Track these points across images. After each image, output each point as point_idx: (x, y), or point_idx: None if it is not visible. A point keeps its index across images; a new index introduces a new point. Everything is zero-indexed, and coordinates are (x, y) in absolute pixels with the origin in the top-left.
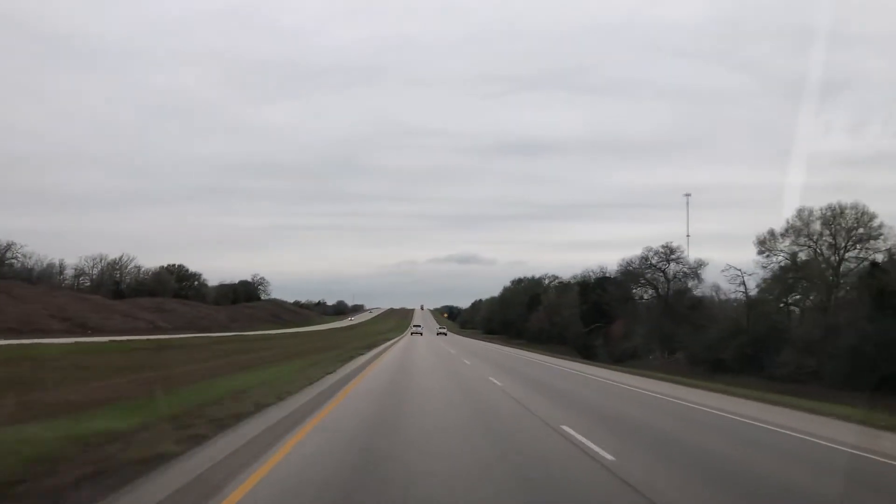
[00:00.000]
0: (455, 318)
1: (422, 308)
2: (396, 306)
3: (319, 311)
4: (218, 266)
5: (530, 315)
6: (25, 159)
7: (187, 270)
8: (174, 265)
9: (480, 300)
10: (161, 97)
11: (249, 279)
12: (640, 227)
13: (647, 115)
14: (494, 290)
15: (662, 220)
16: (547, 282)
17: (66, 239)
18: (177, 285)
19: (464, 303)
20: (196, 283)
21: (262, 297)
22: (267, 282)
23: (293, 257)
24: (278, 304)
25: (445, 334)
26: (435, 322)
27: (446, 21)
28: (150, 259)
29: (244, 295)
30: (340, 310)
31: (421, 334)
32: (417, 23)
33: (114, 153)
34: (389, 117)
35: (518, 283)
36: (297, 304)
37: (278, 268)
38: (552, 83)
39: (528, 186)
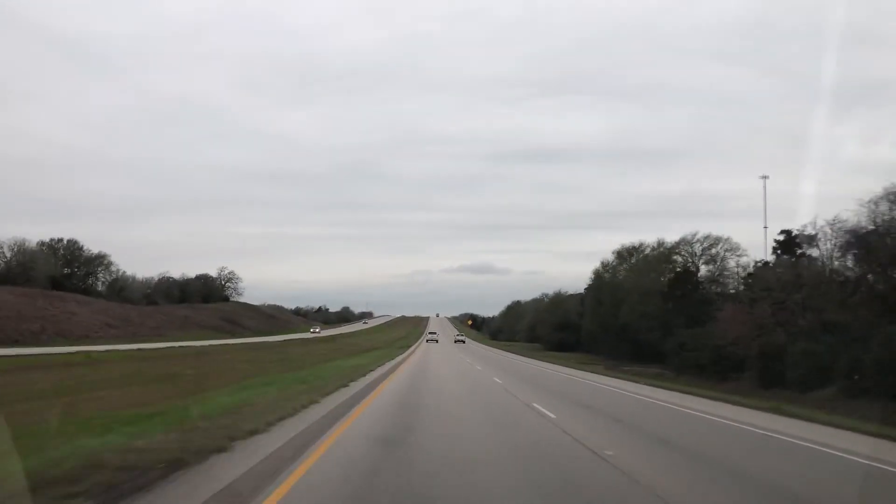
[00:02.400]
0: (480, 328)
1: (437, 316)
2: (409, 315)
3: (320, 318)
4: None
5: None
6: (34, 165)
7: (82, 250)
8: (59, 239)
9: (518, 302)
10: (172, 102)
11: (214, 274)
12: (663, 237)
13: (669, 120)
14: (509, 300)
15: (685, 229)
16: (700, 248)
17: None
18: (64, 271)
19: (479, 312)
20: (101, 268)
21: (232, 298)
22: (237, 278)
23: (305, 266)
24: (250, 308)
25: (464, 342)
26: (454, 330)
27: (464, 23)
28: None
29: (201, 294)
30: (345, 317)
31: (437, 341)
32: (435, 24)
33: (124, 159)
34: (405, 123)
35: (626, 257)
36: (296, 310)
37: (291, 276)
38: (572, 87)
39: (544, 194)
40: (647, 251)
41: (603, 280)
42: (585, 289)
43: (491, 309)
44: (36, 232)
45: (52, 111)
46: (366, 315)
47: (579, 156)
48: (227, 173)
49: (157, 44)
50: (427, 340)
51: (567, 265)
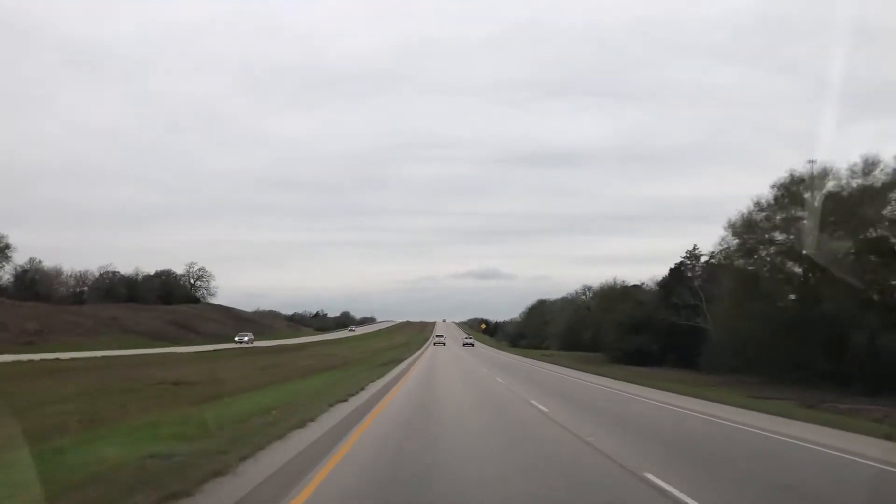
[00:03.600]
0: (494, 332)
1: (443, 321)
2: (415, 320)
3: (316, 323)
4: (235, 283)
5: None
6: (37, 172)
7: None
8: None
9: (542, 301)
10: (172, 107)
11: (181, 271)
12: (671, 241)
13: (678, 121)
14: (515, 306)
15: (695, 233)
16: None
17: (82, 255)
18: None
19: (486, 317)
20: None
21: (206, 300)
22: (209, 275)
23: (309, 273)
24: (220, 311)
25: (472, 345)
26: (462, 333)
27: (469, 24)
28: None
29: (159, 293)
30: (344, 322)
31: (444, 344)
32: (439, 26)
33: (126, 165)
34: (409, 127)
35: (797, 194)
36: (292, 315)
37: (296, 283)
38: (579, 88)
39: (550, 198)
40: (846, 179)
41: (746, 240)
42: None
43: (497, 314)
44: (33, 240)
45: (53, 116)
46: (368, 320)
47: (586, 159)
48: (230, 180)
49: (158, 48)
50: (434, 343)
51: (574, 270)
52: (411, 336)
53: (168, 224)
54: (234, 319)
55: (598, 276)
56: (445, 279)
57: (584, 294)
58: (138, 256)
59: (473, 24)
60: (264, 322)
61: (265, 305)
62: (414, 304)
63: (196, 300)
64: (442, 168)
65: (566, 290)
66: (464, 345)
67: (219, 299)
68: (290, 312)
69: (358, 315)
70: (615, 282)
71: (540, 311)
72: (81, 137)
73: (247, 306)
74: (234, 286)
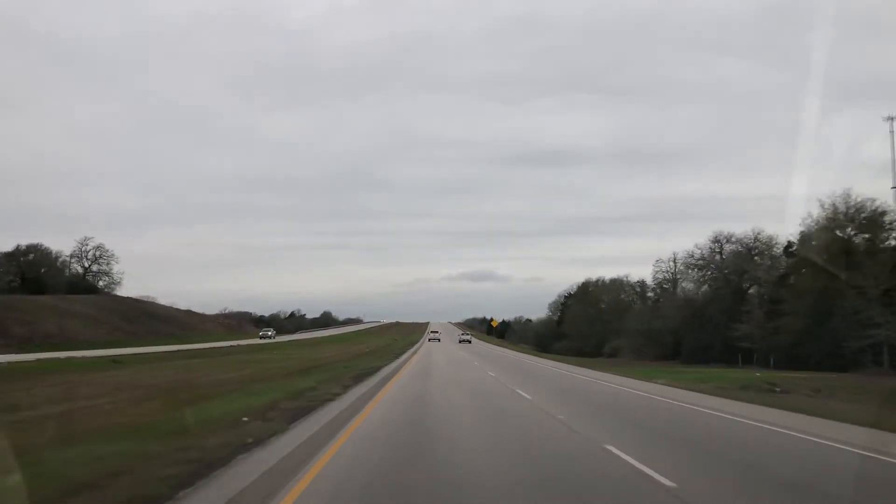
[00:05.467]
0: (503, 334)
1: (438, 323)
2: (406, 321)
3: (292, 324)
4: (226, 288)
5: None
6: (25, 175)
7: None
8: None
9: (587, 285)
10: (160, 107)
11: (73, 249)
12: (669, 242)
13: (677, 119)
14: (511, 308)
15: (692, 234)
16: None
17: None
18: None
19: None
20: None
21: (110, 290)
22: (110, 255)
23: (302, 276)
24: (110, 302)
25: (469, 342)
26: (458, 331)
27: (462, 18)
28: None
29: (24, 280)
30: (325, 322)
31: (439, 340)
32: (432, 21)
33: (112, 168)
34: (400, 126)
35: None
36: (268, 317)
37: (289, 287)
38: (574, 85)
39: (546, 199)
40: None
41: None
42: None
43: (492, 316)
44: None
45: (37, 118)
46: (353, 321)
47: (581, 158)
48: (214, 182)
49: (146, 46)
50: (429, 339)
51: (570, 271)
52: (390, 341)
53: (154, 226)
54: (127, 316)
55: (592, 277)
56: (439, 281)
57: (708, 253)
58: (130, 264)
59: (467, 20)
60: (188, 321)
61: (253, 309)
62: (409, 307)
63: (94, 290)
64: (435, 169)
65: (560, 291)
66: (460, 342)
67: (193, 301)
68: (250, 312)
69: (342, 316)
70: (835, 206)
71: (583, 303)
72: (65, 138)
73: (215, 308)
74: (217, 289)
